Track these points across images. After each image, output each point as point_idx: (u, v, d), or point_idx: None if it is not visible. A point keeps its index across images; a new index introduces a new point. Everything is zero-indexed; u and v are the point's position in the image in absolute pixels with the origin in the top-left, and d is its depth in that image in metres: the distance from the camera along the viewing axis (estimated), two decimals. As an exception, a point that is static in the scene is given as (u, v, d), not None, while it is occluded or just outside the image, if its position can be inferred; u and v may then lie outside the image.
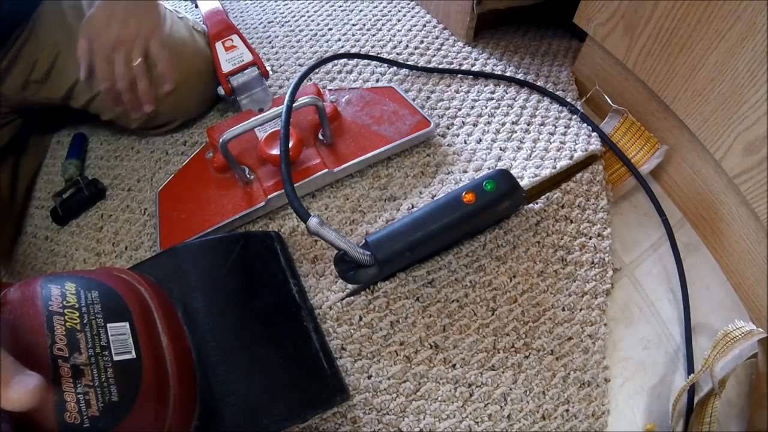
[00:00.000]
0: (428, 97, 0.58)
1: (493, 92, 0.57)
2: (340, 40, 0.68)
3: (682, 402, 0.40)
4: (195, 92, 0.57)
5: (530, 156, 0.50)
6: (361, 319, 0.41)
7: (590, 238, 0.47)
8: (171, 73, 0.51)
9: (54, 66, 0.54)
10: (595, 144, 0.51)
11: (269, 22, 0.74)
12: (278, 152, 0.42)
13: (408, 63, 0.62)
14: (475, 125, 0.54)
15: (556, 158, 0.49)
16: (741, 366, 0.40)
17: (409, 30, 0.68)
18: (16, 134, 0.62)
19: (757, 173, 0.40)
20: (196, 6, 0.69)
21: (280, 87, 0.63)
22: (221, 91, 0.56)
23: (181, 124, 0.59)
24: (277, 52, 0.68)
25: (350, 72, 0.62)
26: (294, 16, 0.75)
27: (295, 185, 0.41)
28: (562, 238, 0.46)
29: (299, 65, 0.65)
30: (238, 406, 0.33)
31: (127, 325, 0.30)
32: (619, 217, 0.51)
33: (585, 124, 0.53)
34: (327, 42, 0.68)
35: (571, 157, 0.49)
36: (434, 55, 0.63)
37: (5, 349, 0.24)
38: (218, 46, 0.57)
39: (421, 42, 0.66)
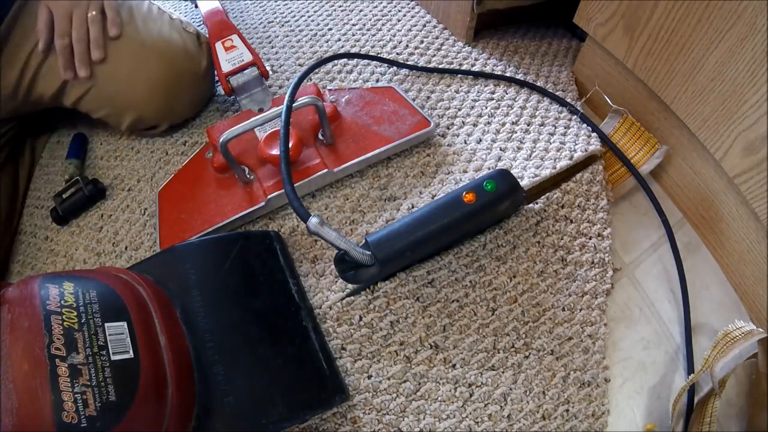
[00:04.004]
0: (428, 97, 0.58)
1: (493, 92, 0.57)
2: (340, 40, 0.68)
3: (682, 402, 0.40)
4: (184, 94, 0.57)
5: (530, 156, 0.50)
6: (361, 319, 0.41)
7: (590, 238, 0.47)
8: (117, 19, 0.53)
9: (43, 64, 0.54)
10: (595, 144, 0.51)
11: (269, 22, 0.74)
12: (278, 152, 0.42)
13: (408, 63, 0.62)
14: (475, 125, 0.54)
15: (556, 158, 0.49)
16: (741, 366, 0.40)
17: (409, 30, 0.68)
18: (13, 141, 0.62)
19: (757, 173, 0.40)
20: (196, 6, 0.69)
21: (280, 87, 0.63)
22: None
23: (171, 127, 0.59)
24: (277, 52, 0.68)
25: (350, 72, 0.62)
26: (294, 16, 0.75)
27: (295, 185, 0.41)
28: (562, 238, 0.46)
29: (299, 65, 0.65)
30: (237, 407, 0.33)
31: (125, 324, 0.30)
32: (619, 217, 0.51)
33: (585, 125, 0.53)
34: (327, 42, 0.68)
35: (571, 158, 0.49)
36: (434, 55, 0.63)
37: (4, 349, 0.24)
38: (218, 46, 0.57)
39: (421, 42, 0.65)
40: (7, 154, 0.61)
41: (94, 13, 0.52)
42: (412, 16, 0.71)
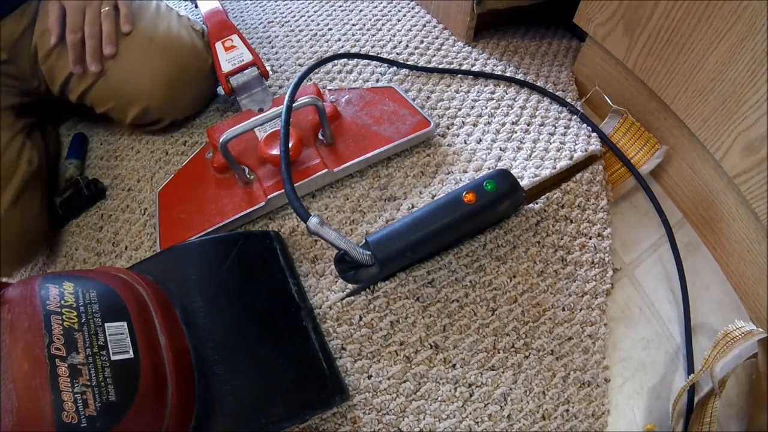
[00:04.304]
0: (428, 97, 0.58)
1: (493, 92, 0.57)
2: (340, 40, 0.68)
3: (682, 402, 0.40)
4: (189, 89, 0.57)
5: (530, 156, 0.50)
6: (361, 319, 0.41)
7: (590, 238, 0.47)
8: (131, 15, 0.54)
9: (51, 55, 0.55)
10: (595, 144, 0.51)
11: (269, 22, 0.74)
12: (278, 152, 0.42)
13: (408, 63, 0.62)
14: (475, 125, 0.54)
15: (556, 158, 0.49)
16: (741, 366, 0.40)
17: (409, 30, 0.68)
18: (37, 114, 0.62)
19: (757, 173, 0.40)
20: (196, 6, 0.69)
21: (280, 87, 0.63)
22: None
23: (174, 122, 0.59)
24: (277, 52, 0.68)
25: (350, 72, 0.62)
26: (294, 16, 0.75)
27: (295, 185, 0.41)
28: (562, 238, 0.46)
29: (299, 65, 0.65)
30: (237, 406, 0.33)
31: (125, 324, 0.30)
32: (619, 217, 0.51)
33: (585, 125, 0.53)
34: (327, 42, 0.68)
35: (571, 158, 0.49)
36: (434, 55, 0.63)
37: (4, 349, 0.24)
38: (218, 46, 0.57)
39: (421, 42, 0.65)
40: (33, 123, 0.61)
41: (107, 8, 0.52)
42: (412, 16, 0.71)
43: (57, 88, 0.57)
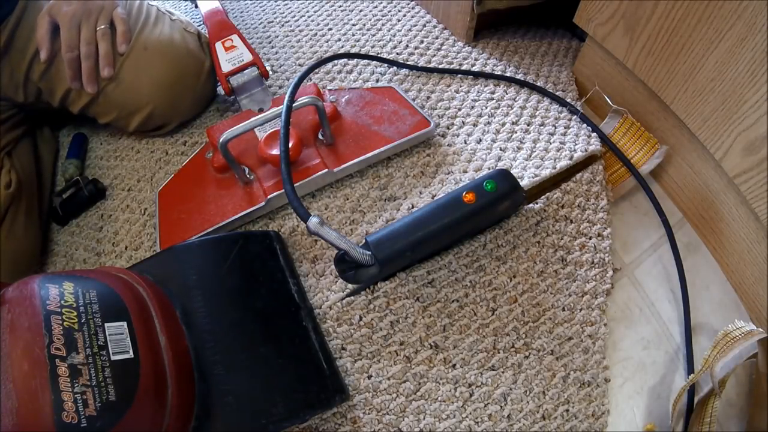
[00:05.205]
0: (428, 97, 0.58)
1: (493, 92, 0.57)
2: (340, 40, 0.68)
3: (682, 402, 0.40)
4: (188, 93, 0.57)
5: (530, 156, 0.50)
6: (361, 319, 0.41)
7: (590, 238, 0.47)
8: (129, 33, 0.53)
9: (49, 70, 0.54)
10: (595, 144, 0.51)
11: (269, 22, 0.74)
12: (278, 152, 0.42)
13: (408, 63, 0.62)
14: (475, 125, 0.54)
15: (556, 158, 0.49)
16: (741, 366, 0.40)
17: (409, 30, 0.68)
18: (27, 122, 0.62)
19: (756, 173, 0.40)
20: (196, 6, 0.69)
21: (280, 87, 0.63)
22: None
23: (177, 126, 0.59)
24: (277, 52, 0.68)
25: (350, 72, 0.62)
26: (294, 16, 0.75)
27: (295, 185, 0.41)
28: (562, 238, 0.46)
29: (299, 65, 0.65)
30: (237, 407, 0.33)
31: (125, 324, 0.30)
32: (619, 217, 0.51)
33: (585, 125, 0.53)
34: (327, 42, 0.68)
35: (571, 158, 0.49)
36: (434, 55, 0.63)
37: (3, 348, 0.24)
38: (218, 46, 0.57)
39: (421, 42, 0.66)
40: (20, 135, 0.60)
41: (103, 26, 0.51)
42: (412, 16, 0.71)
43: (57, 102, 0.56)
